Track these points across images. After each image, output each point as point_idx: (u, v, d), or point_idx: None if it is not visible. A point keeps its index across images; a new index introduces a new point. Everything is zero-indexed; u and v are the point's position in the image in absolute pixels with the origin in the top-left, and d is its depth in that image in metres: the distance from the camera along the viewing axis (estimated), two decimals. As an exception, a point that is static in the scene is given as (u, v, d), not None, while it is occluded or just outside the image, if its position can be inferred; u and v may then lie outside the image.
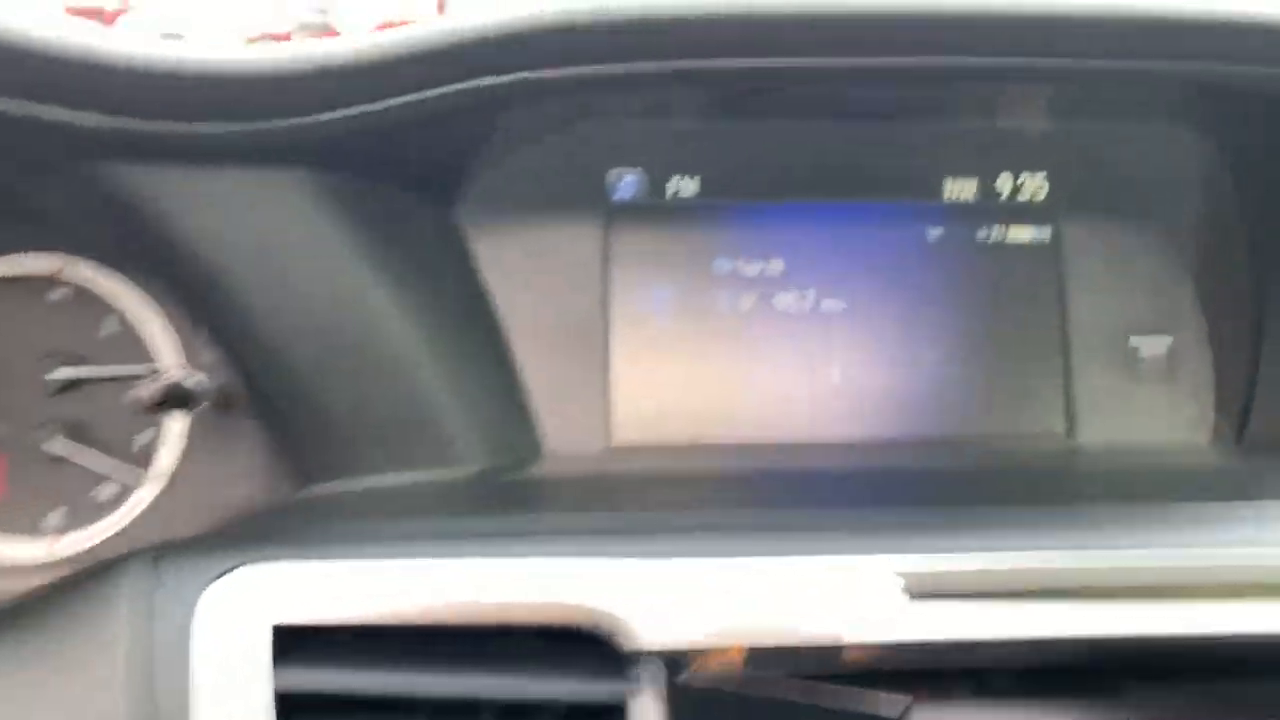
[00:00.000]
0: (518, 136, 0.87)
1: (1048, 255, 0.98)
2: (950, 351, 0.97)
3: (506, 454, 0.85)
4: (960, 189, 0.99)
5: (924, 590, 0.52)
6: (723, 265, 0.97)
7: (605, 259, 0.95)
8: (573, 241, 0.95)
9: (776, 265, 0.97)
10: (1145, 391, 0.97)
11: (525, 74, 0.65)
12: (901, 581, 0.52)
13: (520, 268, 0.94)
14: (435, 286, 0.80)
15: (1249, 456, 0.90)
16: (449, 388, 0.77)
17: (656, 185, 0.97)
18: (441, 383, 0.76)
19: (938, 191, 0.99)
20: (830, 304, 0.97)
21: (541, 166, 0.94)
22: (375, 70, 0.64)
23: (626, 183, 0.96)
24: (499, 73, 0.65)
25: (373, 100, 0.66)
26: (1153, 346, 0.98)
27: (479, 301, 0.88)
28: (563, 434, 0.92)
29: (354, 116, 0.66)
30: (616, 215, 0.96)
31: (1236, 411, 0.95)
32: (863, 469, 0.87)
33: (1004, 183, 0.99)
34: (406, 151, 0.73)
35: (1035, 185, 0.99)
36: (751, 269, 0.97)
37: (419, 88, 0.66)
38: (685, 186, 0.97)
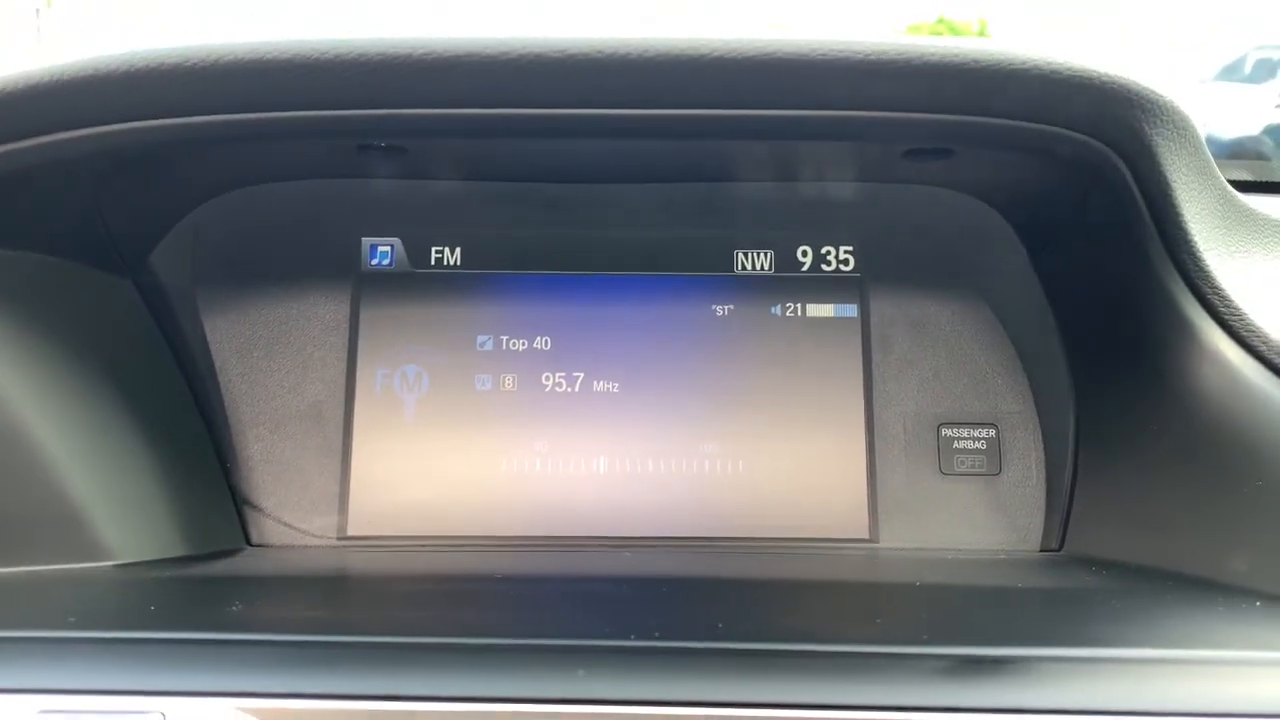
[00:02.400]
0: (195, 198, 0.80)
1: (852, 335, 0.88)
2: (735, 442, 0.86)
3: (197, 545, 0.76)
4: (753, 261, 0.89)
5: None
6: (485, 341, 0.88)
7: (353, 334, 0.87)
8: (318, 314, 0.88)
9: (544, 342, 0.88)
10: (962, 490, 0.85)
11: (98, 129, 0.59)
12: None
13: (257, 342, 0.87)
14: (99, 364, 0.72)
15: (1068, 572, 0.76)
16: (93, 475, 0.69)
17: (415, 254, 0.89)
18: (84, 470, 0.68)
19: (727, 264, 0.89)
20: (601, 386, 0.87)
21: (286, 233, 0.87)
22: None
23: (381, 251, 0.89)
24: (67, 127, 0.59)
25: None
26: (970, 439, 0.86)
27: (178, 378, 0.81)
28: (287, 524, 0.84)
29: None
30: (368, 286, 0.88)
31: (1061, 515, 0.82)
32: (606, 575, 0.76)
33: (804, 255, 0.89)
34: (20, 213, 0.67)
35: (839, 258, 0.89)
36: (517, 345, 0.88)
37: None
38: (446, 256, 0.89)
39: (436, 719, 0.43)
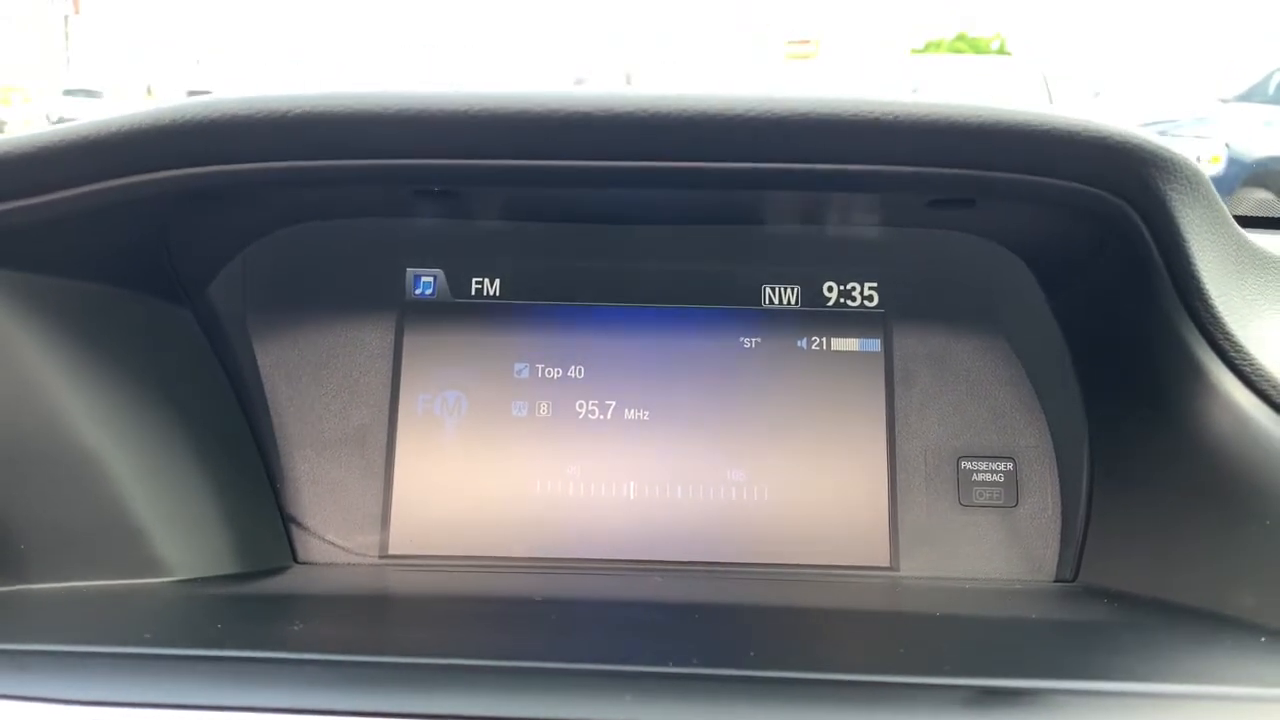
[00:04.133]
0: (253, 233, 0.85)
1: (875, 369, 0.91)
2: (761, 470, 0.89)
3: (249, 562, 0.80)
4: (781, 296, 0.92)
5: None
6: (521, 369, 0.92)
7: (396, 360, 0.92)
8: (363, 341, 0.92)
9: (578, 371, 0.92)
10: (980, 521, 0.88)
11: (176, 171, 0.63)
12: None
13: (305, 367, 0.91)
14: (160, 389, 0.77)
15: (1081, 603, 0.80)
16: (154, 494, 0.73)
17: (456, 285, 0.93)
18: (145, 490, 0.73)
19: (755, 298, 0.93)
20: (632, 414, 0.91)
21: (334, 264, 0.92)
22: (28, 165, 0.63)
23: (424, 282, 0.93)
24: (147, 169, 0.63)
25: (32, 195, 0.64)
26: (988, 471, 0.89)
27: (232, 402, 0.85)
28: (331, 541, 0.88)
29: (16, 211, 0.64)
30: (411, 314, 0.92)
31: (1075, 547, 0.85)
32: (634, 599, 0.80)
33: (830, 291, 0.92)
34: (95, 247, 0.71)
35: (864, 294, 0.92)
36: (551, 374, 0.92)
37: (73, 183, 0.64)
38: (486, 287, 0.93)
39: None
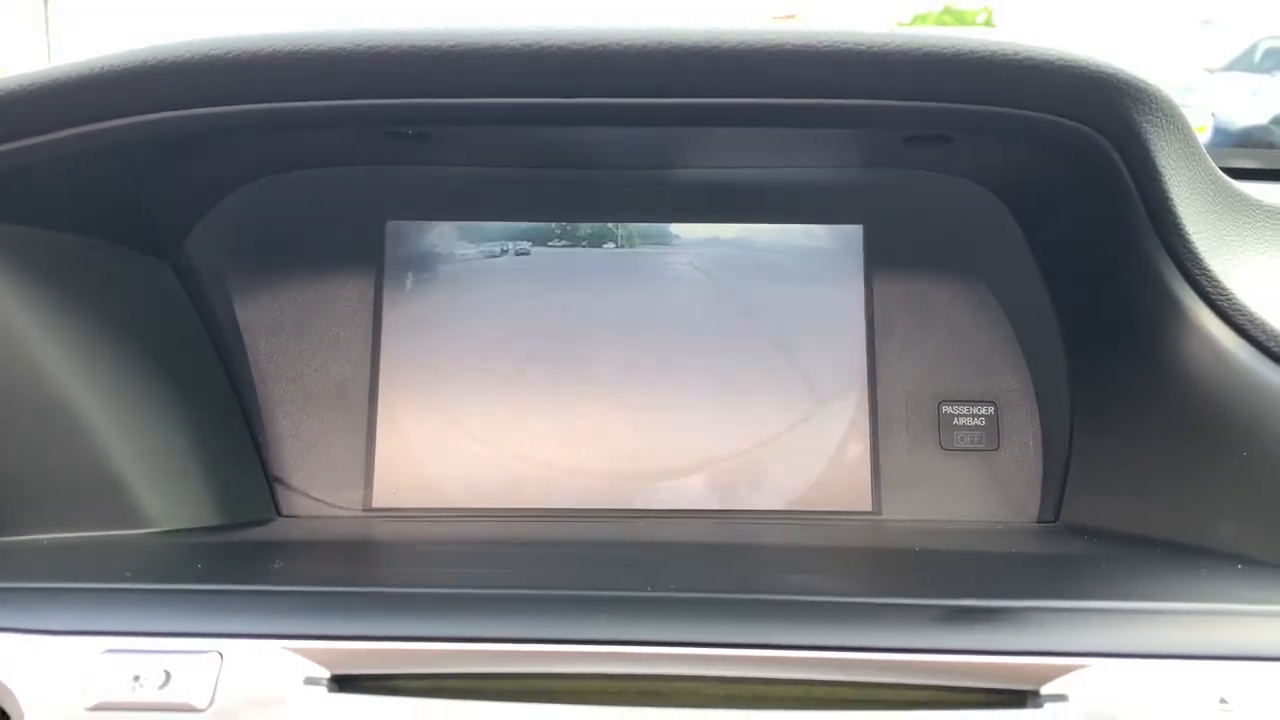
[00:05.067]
0: (229, 184, 0.84)
1: (855, 315, 0.91)
2: (742, 419, 0.89)
3: (231, 515, 0.80)
4: (759, 242, 0.92)
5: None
6: (501, 321, 0.91)
7: (377, 314, 0.91)
8: (344, 295, 0.91)
9: (557, 323, 0.91)
10: (961, 465, 0.89)
11: (150, 116, 0.62)
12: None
13: (285, 322, 0.91)
14: (140, 343, 0.76)
15: (1061, 540, 0.80)
16: (135, 447, 0.73)
17: (435, 239, 0.93)
18: (125, 442, 0.72)
19: (735, 245, 0.92)
20: (613, 364, 0.91)
21: (312, 218, 0.91)
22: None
23: (403, 235, 0.93)
24: (120, 114, 0.63)
25: (2, 141, 0.64)
26: (969, 415, 0.89)
27: (212, 356, 0.85)
28: (314, 497, 0.88)
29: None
30: (391, 268, 0.92)
31: (1056, 488, 0.85)
32: (615, 540, 0.80)
33: (811, 235, 0.92)
34: (69, 196, 0.71)
35: (845, 238, 0.92)
36: (531, 325, 0.91)
37: (45, 129, 0.63)
38: (465, 239, 0.93)
39: (462, 658, 0.47)
